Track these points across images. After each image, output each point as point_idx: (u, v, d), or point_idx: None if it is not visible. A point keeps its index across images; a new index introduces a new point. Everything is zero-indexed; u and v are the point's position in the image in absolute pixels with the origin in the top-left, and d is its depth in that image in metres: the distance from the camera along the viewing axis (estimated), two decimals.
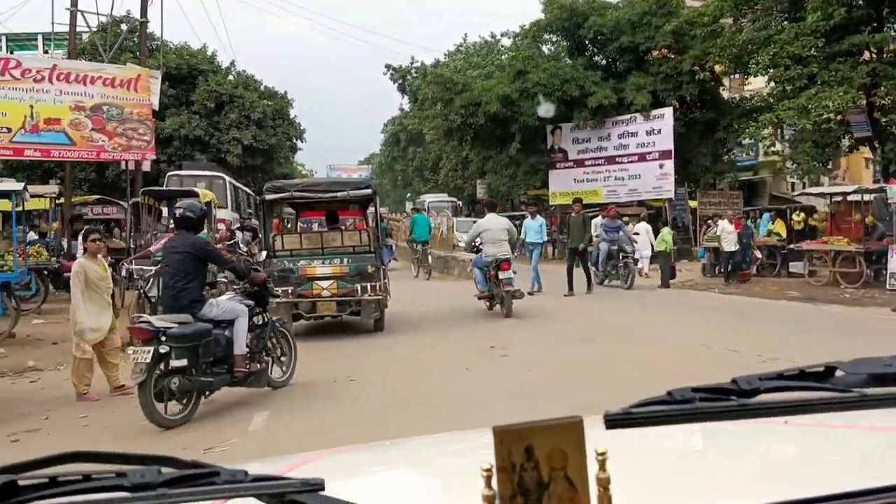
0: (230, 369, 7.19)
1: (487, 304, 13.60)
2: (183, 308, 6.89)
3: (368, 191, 12.32)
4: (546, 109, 27.15)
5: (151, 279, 10.67)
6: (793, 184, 43.43)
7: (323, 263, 11.10)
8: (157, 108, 18.98)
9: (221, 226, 21.36)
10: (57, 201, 18.89)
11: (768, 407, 0.89)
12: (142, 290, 10.84)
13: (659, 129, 27.95)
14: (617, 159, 29.29)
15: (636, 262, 18.77)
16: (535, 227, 16.89)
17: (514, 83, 29.54)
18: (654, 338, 10.71)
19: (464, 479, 1.14)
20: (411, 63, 58.12)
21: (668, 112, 27.80)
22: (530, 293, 15.14)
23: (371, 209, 13.60)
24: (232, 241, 19.56)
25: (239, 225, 21.78)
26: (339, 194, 12.15)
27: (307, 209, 15.07)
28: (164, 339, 6.55)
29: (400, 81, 58.24)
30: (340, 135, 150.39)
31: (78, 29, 21.60)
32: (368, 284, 10.89)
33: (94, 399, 7.95)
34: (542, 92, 28.59)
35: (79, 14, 21.74)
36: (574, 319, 12.71)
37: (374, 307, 11.23)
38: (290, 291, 10.83)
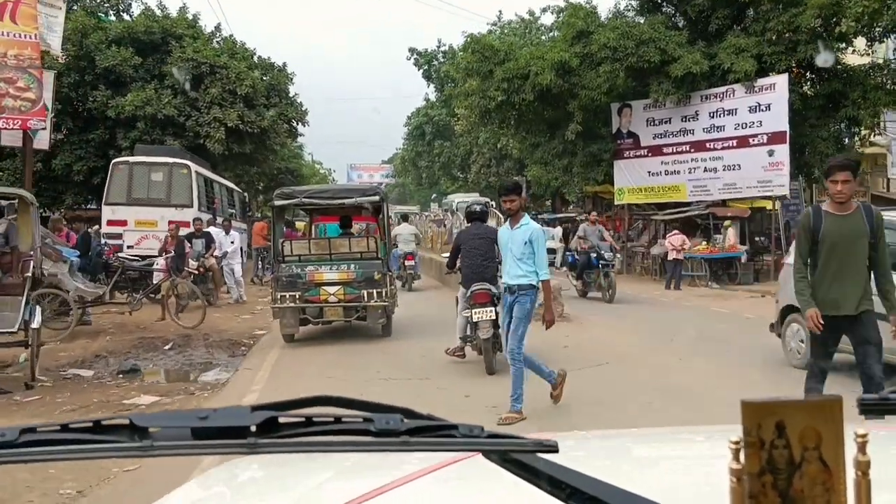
0: None
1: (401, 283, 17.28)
2: (487, 280, 8.42)
3: (376, 197, 12.24)
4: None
5: None
6: (888, 181, 36.57)
7: (331, 269, 10.92)
8: (58, 52, 12.55)
9: (165, 233, 14.88)
10: None
11: None
12: None
13: (767, 104, 21.11)
14: (708, 145, 22.48)
15: None
16: (515, 248, 6.85)
17: (573, 47, 22.87)
18: None
19: (699, 465, 1.36)
20: (438, 47, 51.66)
21: (780, 81, 20.93)
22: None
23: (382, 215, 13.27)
24: (170, 256, 13.07)
25: (192, 231, 15.26)
26: (347, 201, 12.07)
27: (321, 214, 14.00)
28: (496, 301, 8.12)
29: (425, 67, 51.83)
30: (364, 132, 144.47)
31: None
32: (375, 291, 10.84)
33: None
34: (611, 57, 21.90)
35: None
36: None
37: (381, 313, 11.10)
38: (297, 297, 10.72)
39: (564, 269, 27.62)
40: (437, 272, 22.62)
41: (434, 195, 64.24)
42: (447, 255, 11.43)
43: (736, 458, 0.74)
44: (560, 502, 0.88)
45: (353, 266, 10.85)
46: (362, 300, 10.72)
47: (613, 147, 24.46)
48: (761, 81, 21.15)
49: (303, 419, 0.86)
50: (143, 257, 14.89)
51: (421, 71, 52.22)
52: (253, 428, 0.84)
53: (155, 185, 18.16)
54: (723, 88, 21.93)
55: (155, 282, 13.68)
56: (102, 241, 17.43)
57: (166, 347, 10.28)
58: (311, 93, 72.20)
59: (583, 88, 22.79)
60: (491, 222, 13.85)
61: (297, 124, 27.38)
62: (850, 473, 0.74)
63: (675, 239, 19.03)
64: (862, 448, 0.75)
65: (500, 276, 8.15)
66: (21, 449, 0.82)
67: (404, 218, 20.75)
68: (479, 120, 26.56)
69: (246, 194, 25.63)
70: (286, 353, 9.89)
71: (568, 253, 17.41)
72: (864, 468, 0.74)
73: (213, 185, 20.78)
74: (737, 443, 0.74)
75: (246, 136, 24.21)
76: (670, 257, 18.92)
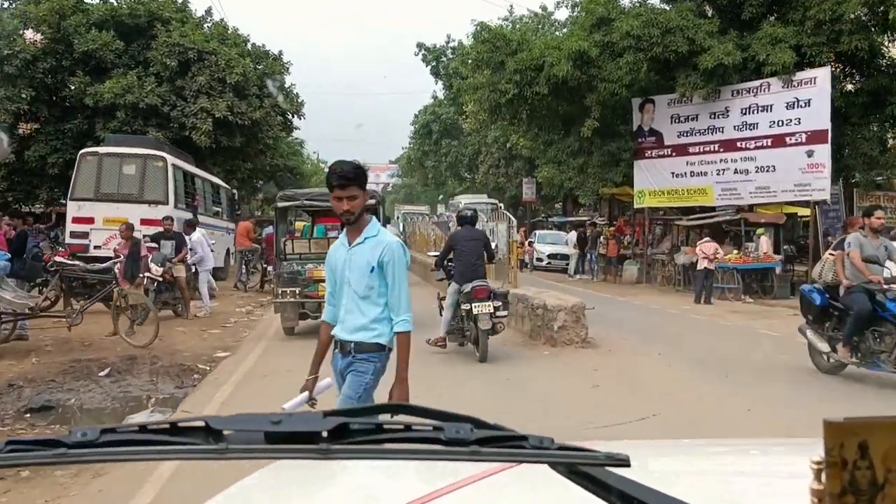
0: None
1: None
2: (479, 277, 9.40)
3: (372, 201, 11.90)
4: None
5: None
6: None
7: None
8: None
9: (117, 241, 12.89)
10: None
11: None
12: None
13: (807, 99, 19.15)
14: (739, 144, 20.52)
15: None
16: (354, 278, 3.97)
17: (593, 35, 20.95)
18: None
19: (776, 480, 1.32)
20: (447, 42, 49.78)
21: (822, 74, 18.98)
22: None
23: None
24: (116, 261, 11.20)
25: (163, 231, 13.30)
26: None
27: (322, 215, 14.18)
28: (493, 296, 9.16)
29: (433, 64, 49.97)
30: (368, 131, 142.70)
31: None
32: None
33: None
34: (635, 46, 19.98)
35: None
36: None
37: None
38: (297, 292, 11.28)
39: (579, 276, 25.84)
40: (421, 271, 20.68)
41: (441, 196, 62.34)
42: (436, 253, 11.56)
43: (817, 478, 0.73)
44: None
45: None
46: None
47: (634, 146, 22.54)
48: (800, 75, 19.21)
49: (373, 426, 0.87)
50: (107, 259, 13.00)
51: (429, 67, 50.43)
52: (325, 433, 0.85)
53: (126, 179, 16.30)
54: (757, 82, 20.01)
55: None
56: (67, 239, 15.68)
57: (102, 374, 8.35)
58: (313, 90, 70.37)
59: (602, 81, 20.88)
60: (501, 226, 12.37)
61: (293, 117, 25.47)
62: None
63: (707, 247, 17.07)
64: None
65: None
66: (101, 448, 0.85)
67: (387, 221, 20.40)
68: (489, 115, 24.63)
69: (235, 191, 23.70)
70: (244, 386, 7.97)
71: (809, 290, 8.97)
72: None
73: (195, 180, 18.88)
74: (819, 463, 0.72)
75: (236, 128, 22.34)
76: (700, 267, 16.95)
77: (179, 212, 16.65)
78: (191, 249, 13.48)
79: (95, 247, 15.74)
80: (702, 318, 13.98)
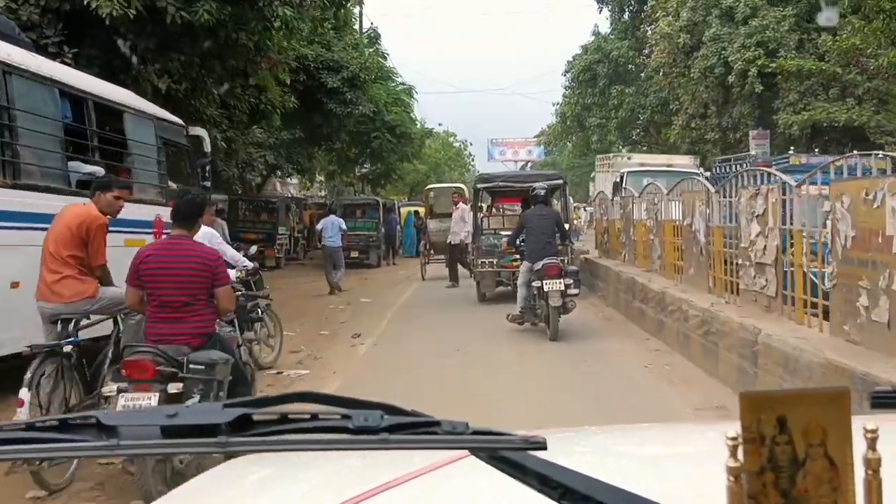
0: None
1: None
2: (550, 255, 9.59)
3: (559, 181, 14.47)
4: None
5: None
6: None
7: None
8: None
9: None
10: None
11: None
12: None
13: None
14: None
15: None
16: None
17: None
18: None
19: (695, 463, 1.27)
20: None
21: None
22: None
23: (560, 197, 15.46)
24: None
25: None
26: (535, 184, 13.85)
27: (503, 196, 16.51)
28: (564, 273, 9.63)
29: None
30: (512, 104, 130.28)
31: None
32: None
33: None
34: None
35: None
36: None
37: None
38: (494, 263, 13.05)
39: None
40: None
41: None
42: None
43: (734, 455, 0.69)
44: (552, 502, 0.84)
45: None
46: None
47: None
48: None
49: (277, 416, 0.84)
50: None
51: None
52: (224, 426, 0.81)
53: None
54: None
55: None
56: None
57: None
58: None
59: None
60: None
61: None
62: (859, 472, 0.69)
63: None
64: (872, 444, 0.69)
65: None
66: None
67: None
68: None
69: (203, 133, 10.07)
70: None
71: None
72: (874, 466, 0.69)
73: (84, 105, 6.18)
74: (734, 439, 0.69)
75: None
76: None
77: None
78: None
79: None
80: None
